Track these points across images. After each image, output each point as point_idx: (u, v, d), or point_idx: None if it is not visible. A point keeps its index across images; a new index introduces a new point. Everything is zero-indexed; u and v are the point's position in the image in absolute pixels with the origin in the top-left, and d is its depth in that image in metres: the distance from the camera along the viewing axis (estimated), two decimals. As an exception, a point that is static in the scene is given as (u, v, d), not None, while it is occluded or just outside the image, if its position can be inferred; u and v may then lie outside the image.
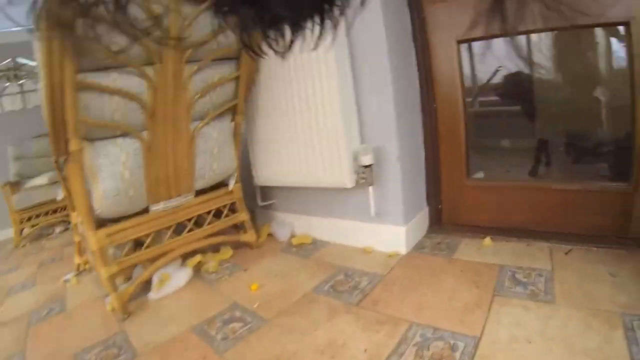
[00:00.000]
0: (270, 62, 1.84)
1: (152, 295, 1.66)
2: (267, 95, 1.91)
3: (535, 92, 2.24)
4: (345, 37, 1.67)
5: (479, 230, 1.81)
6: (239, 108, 1.88)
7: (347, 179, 1.70)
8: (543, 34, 1.96)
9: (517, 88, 2.25)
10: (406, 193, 1.73)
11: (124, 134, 1.53)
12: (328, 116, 1.68)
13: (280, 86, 1.83)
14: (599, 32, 1.98)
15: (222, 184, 1.95)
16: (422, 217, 1.88)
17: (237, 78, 1.81)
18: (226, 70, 1.75)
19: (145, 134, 1.56)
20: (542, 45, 2.10)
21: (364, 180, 1.70)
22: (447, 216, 1.95)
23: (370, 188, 1.71)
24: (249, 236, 1.98)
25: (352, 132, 1.71)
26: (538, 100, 2.23)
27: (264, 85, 1.91)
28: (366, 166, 1.66)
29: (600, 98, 2.08)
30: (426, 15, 1.78)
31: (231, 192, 1.94)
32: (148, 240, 1.67)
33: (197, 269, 1.84)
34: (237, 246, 2.03)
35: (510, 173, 2.26)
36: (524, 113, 2.32)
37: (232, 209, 1.96)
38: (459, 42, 1.75)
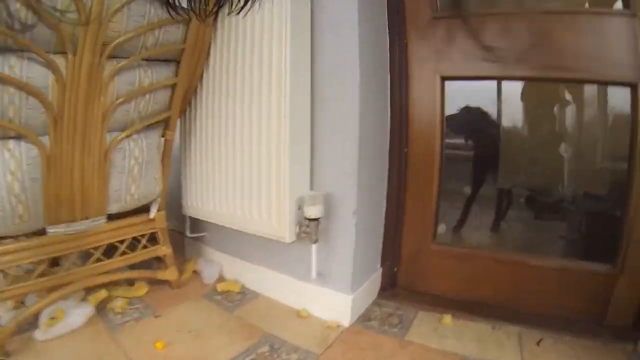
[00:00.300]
0: (216, 71, 1.55)
1: (39, 335, 1.32)
2: (207, 111, 1.61)
3: (500, 137, 2.12)
4: (309, 49, 1.40)
5: (439, 301, 1.57)
6: (172, 122, 1.56)
7: (286, 232, 1.40)
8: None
9: (478, 124, 2.10)
10: (358, 255, 1.45)
11: (19, 137, 1.21)
12: (273, 150, 1.39)
13: (223, 102, 1.54)
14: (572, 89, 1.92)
15: (146, 209, 1.62)
16: (374, 280, 1.61)
17: (174, 86, 1.49)
18: (162, 74, 1.44)
19: (46, 139, 1.24)
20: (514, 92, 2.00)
21: (306, 235, 1.41)
22: (403, 280, 1.69)
23: (314, 245, 1.42)
24: (168, 274, 1.65)
25: (301, 174, 1.43)
26: (503, 144, 2.11)
27: (206, 98, 1.61)
28: (312, 219, 1.38)
29: (563, 155, 2.04)
30: (409, 43, 1.55)
31: (152, 220, 1.61)
32: (41, 269, 1.33)
33: (104, 305, 1.51)
34: (155, 281, 1.69)
35: (472, 229, 2.09)
36: (485, 157, 2.17)
37: (153, 240, 1.63)
38: (444, 78, 1.54)
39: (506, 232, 2.13)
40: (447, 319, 1.43)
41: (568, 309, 1.43)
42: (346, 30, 1.34)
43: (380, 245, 1.65)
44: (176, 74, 1.48)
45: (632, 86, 1.37)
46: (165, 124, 1.57)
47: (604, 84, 1.48)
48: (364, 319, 1.47)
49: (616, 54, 1.37)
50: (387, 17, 1.54)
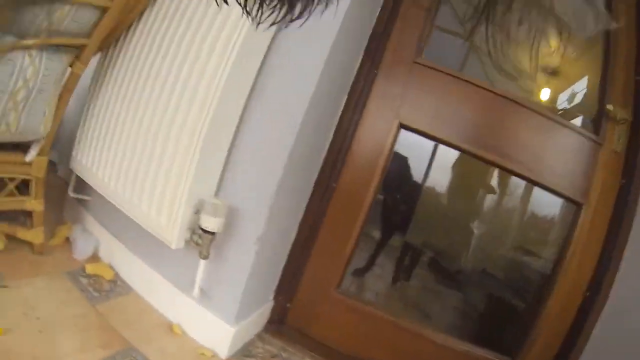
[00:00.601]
0: (158, 19, 1.27)
1: None
2: (133, 62, 1.31)
3: (420, 195, 2.17)
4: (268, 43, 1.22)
5: (328, 352, 1.44)
6: (86, 54, 1.23)
7: (174, 236, 1.17)
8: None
9: (402, 174, 2.07)
10: (251, 286, 1.27)
11: None
12: (186, 136, 1.15)
13: (151, 59, 1.26)
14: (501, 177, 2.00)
15: (24, 148, 1.27)
16: (263, 312, 1.44)
17: (104, 10, 1.17)
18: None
19: None
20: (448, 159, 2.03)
21: (197, 247, 1.19)
22: (294, 319, 1.52)
23: (203, 262, 1.21)
24: (32, 235, 1.33)
25: (210, 173, 1.22)
26: (421, 202, 2.17)
27: (135, 45, 1.32)
28: (208, 232, 1.16)
29: (475, 230, 2.12)
30: (378, 76, 1.45)
31: (29, 164, 1.27)
32: None
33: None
34: (15, 240, 1.32)
35: (374, 276, 2.06)
36: (401, 208, 2.17)
37: (25, 188, 1.30)
38: (402, 125, 1.45)
39: (406, 287, 2.10)
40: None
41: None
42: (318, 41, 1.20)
43: (279, 276, 1.49)
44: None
45: (578, 205, 1.40)
46: (78, 53, 1.24)
47: (547, 189, 1.44)
48: (244, 353, 1.29)
49: (568, 169, 1.40)
50: (367, 41, 1.45)
